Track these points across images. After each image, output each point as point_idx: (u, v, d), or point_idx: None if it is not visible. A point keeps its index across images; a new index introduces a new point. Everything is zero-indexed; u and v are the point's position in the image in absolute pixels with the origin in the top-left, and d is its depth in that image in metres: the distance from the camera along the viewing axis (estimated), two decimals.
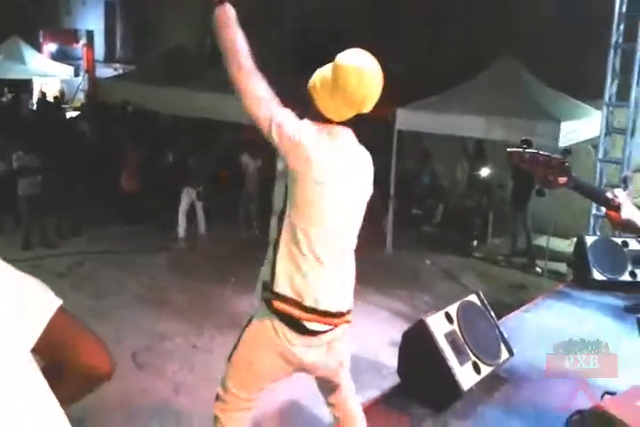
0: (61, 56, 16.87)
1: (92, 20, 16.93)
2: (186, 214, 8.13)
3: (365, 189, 2.29)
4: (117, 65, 15.69)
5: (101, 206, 8.73)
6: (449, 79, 7.88)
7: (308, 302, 2.13)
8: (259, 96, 2.01)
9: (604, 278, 5.25)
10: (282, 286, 2.13)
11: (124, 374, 4.84)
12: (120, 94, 10.63)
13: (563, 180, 1.81)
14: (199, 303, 6.25)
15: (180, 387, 4.67)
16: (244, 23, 1.98)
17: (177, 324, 5.73)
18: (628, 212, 1.80)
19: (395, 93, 8.04)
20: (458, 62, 8.99)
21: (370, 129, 10.12)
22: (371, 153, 9.15)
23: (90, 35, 16.60)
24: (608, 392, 1.66)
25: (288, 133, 2.01)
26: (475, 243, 8.16)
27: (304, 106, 2.14)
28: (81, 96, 15.70)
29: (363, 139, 9.08)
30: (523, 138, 1.90)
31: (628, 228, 1.83)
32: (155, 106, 9.70)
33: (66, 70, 15.60)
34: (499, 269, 7.40)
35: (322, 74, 2.11)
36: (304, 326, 2.15)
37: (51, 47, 17.19)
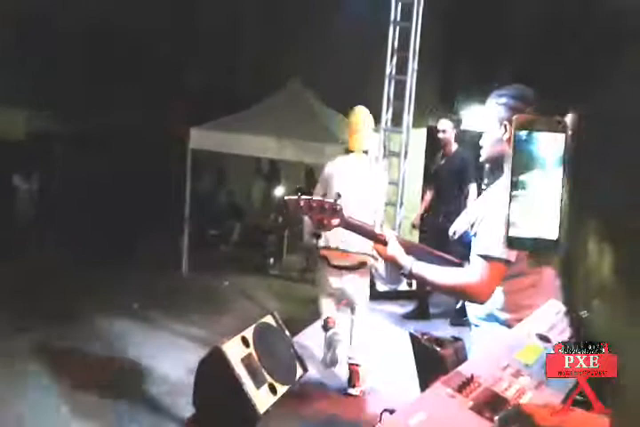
0: None
1: None
2: None
3: (364, 184, 4.13)
4: None
5: None
6: (241, 100, 7.99)
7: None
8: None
9: (386, 289, 5.71)
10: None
11: None
12: None
13: (335, 221, 1.94)
14: None
15: None
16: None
17: None
18: (393, 249, 1.94)
19: (189, 113, 7.90)
20: (250, 84, 9.17)
21: (164, 149, 9.81)
22: (164, 173, 8.88)
23: None
24: (386, 409, 1.74)
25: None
26: (271, 260, 8.30)
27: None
28: None
29: (156, 160, 8.72)
30: (297, 186, 2.02)
31: (392, 262, 1.97)
32: None
33: None
34: (294, 285, 7.60)
35: None
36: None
37: None
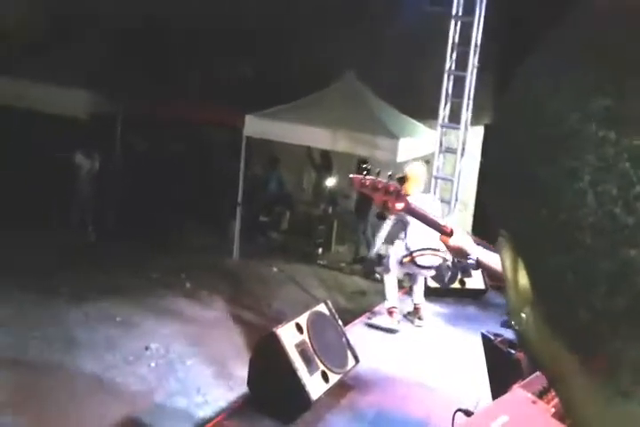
0: None
1: None
2: None
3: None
4: None
5: None
6: (296, 90, 8.04)
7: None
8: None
9: (438, 286, 5.73)
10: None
11: None
12: None
13: (400, 205, 1.92)
14: (24, 314, 5.68)
15: (4, 406, 4.18)
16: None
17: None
18: (459, 239, 1.95)
19: (243, 100, 8.01)
20: (304, 74, 9.20)
21: (219, 135, 9.96)
22: (220, 159, 9.12)
23: None
24: (460, 409, 1.79)
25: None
26: (320, 250, 8.39)
27: None
28: None
29: (212, 146, 8.91)
30: (363, 165, 2.00)
31: (459, 253, 1.98)
32: None
33: None
34: (342, 276, 7.68)
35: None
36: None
37: None
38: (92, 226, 8.13)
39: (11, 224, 7.48)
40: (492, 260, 1.93)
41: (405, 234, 5.15)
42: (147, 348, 5.33)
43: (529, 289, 0.36)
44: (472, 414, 1.71)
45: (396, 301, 5.39)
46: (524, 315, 0.37)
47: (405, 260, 5.17)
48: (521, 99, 0.36)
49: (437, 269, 5.35)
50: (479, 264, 1.93)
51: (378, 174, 1.96)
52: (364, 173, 1.96)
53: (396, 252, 5.31)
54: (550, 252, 0.33)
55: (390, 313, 5.31)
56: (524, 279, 0.36)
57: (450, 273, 5.60)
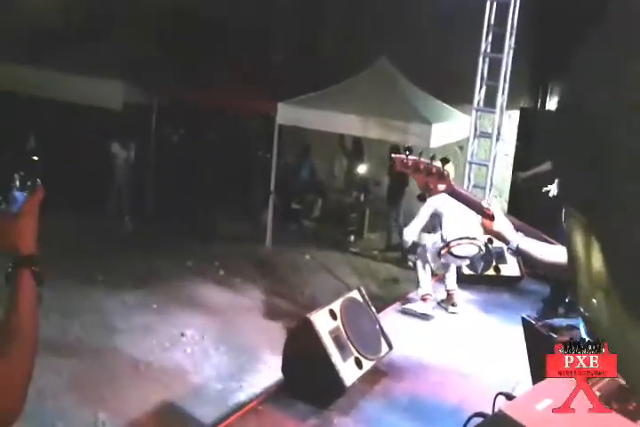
0: None
1: None
2: None
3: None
4: None
5: None
6: (327, 77, 7.98)
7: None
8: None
9: (472, 273, 5.66)
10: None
11: None
12: None
13: (442, 187, 1.90)
14: (62, 301, 5.79)
15: (43, 392, 4.28)
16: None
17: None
18: (500, 224, 1.92)
19: (275, 88, 7.99)
20: (335, 61, 9.12)
21: (251, 124, 9.91)
22: (252, 148, 9.13)
23: None
24: (502, 393, 1.76)
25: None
26: (352, 238, 8.37)
27: None
28: None
29: (244, 133, 8.90)
30: (406, 145, 1.96)
31: (498, 238, 1.96)
32: (6, 86, 8.72)
33: None
34: (374, 264, 7.65)
35: None
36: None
37: None
38: (129, 215, 8.25)
39: (49, 213, 7.61)
40: (533, 247, 1.89)
41: (441, 226, 5.13)
42: (182, 334, 5.40)
43: (603, 273, 0.34)
44: (513, 397, 1.68)
45: (430, 288, 5.35)
46: (595, 300, 0.35)
47: (443, 251, 5.21)
48: (598, 72, 0.35)
49: (471, 258, 5.30)
50: (519, 251, 1.89)
51: (420, 155, 1.93)
52: (406, 153, 1.94)
53: (432, 242, 5.38)
54: (629, 231, 0.31)
55: (424, 300, 5.29)
56: (598, 262, 0.34)
57: (482, 263, 5.57)
